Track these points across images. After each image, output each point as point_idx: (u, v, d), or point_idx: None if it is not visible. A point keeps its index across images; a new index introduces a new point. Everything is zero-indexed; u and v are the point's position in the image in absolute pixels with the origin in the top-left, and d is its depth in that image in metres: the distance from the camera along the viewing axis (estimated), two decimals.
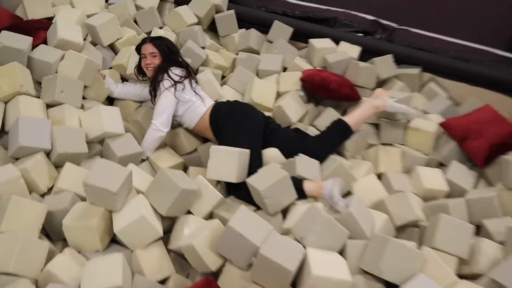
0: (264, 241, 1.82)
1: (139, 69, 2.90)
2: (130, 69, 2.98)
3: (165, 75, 2.65)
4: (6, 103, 2.41)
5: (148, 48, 2.77)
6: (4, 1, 3.11)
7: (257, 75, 3.24)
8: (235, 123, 2.56)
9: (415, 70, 3.22)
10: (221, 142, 2.54)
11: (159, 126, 2.57)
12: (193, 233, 1.98)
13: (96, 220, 1.91)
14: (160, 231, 1.98)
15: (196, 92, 2.71)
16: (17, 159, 2.27)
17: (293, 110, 2.89)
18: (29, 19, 3.04)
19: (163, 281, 1.96)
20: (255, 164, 2.37)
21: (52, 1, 3.19)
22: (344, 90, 2.93)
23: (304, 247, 1.87)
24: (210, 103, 2.74)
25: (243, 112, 2.62)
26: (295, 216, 2.08)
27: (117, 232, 1.94)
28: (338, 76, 3.01)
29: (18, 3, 3.14)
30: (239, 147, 2.32)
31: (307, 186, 2.24)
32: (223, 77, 3.34)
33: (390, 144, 2.83)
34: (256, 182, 2.13)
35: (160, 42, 2.81)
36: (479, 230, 2.22)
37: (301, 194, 2.22)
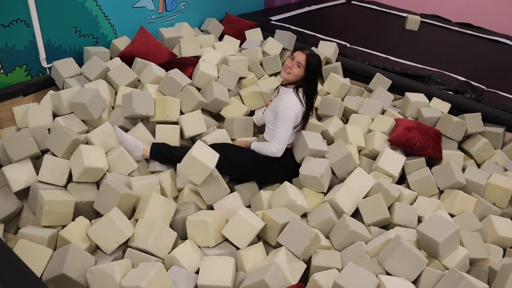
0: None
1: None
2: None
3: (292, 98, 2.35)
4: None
5: (299, 57, 2.35)
6: (166, 42, 3.33)
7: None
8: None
9: (499, 129, 2.95)
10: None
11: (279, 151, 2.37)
12: None
13: (211, 218, 1.93)
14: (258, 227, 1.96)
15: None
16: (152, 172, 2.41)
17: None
18: (182, 56, 3.23)
19: None
20: None
21: (200, 44, 3.36)
22: (428, 150, 2.71)
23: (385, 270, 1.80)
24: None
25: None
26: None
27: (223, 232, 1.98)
28: (424, 135, 2.74)
29: (176, 43, 3.37)
30: None
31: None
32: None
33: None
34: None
35: (313, 60, 2.34)
36: None
37: None
